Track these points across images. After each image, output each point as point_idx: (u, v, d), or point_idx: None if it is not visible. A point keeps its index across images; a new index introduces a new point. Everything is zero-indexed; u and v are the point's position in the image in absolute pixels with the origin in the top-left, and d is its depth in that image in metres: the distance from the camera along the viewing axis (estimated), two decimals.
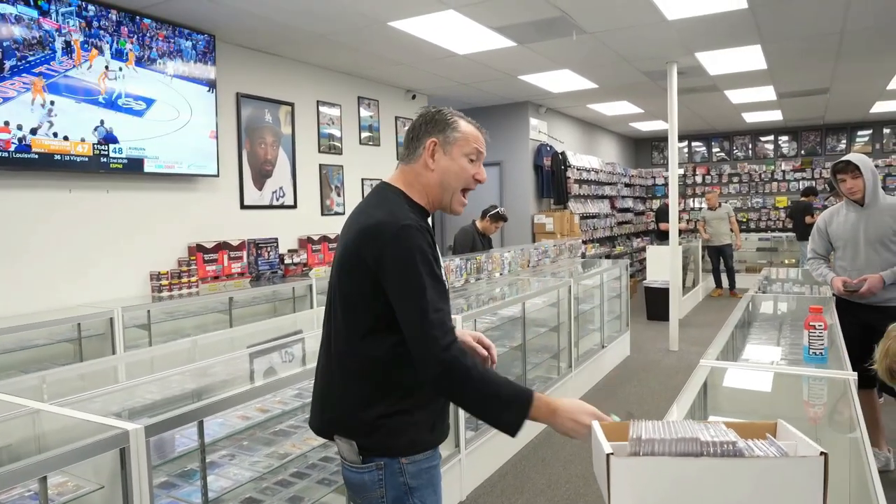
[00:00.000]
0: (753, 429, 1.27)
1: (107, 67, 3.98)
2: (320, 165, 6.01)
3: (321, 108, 6.00)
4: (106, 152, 4.02)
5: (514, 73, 6.56)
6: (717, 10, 4.65)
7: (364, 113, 6.54)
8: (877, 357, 2.48)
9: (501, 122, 8.40)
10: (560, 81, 7.06)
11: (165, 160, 4.41)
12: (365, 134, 6.55)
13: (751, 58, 6.17)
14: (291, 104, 5.64)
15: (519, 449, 3.99)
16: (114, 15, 4.00)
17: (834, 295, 3.47)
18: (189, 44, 4.50)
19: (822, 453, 1.11)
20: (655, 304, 7.96)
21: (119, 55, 4.04)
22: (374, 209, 1.52)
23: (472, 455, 3.47)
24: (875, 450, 3.46)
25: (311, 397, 2.81)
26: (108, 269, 4.22)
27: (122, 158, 4.12)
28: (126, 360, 3.31)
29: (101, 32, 3.92)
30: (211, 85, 4.69)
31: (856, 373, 2.19)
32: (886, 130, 11.13)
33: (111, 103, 4.02)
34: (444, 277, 1.57)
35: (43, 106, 3.66)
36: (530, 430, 4.18)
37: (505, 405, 1.42)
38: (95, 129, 3.93)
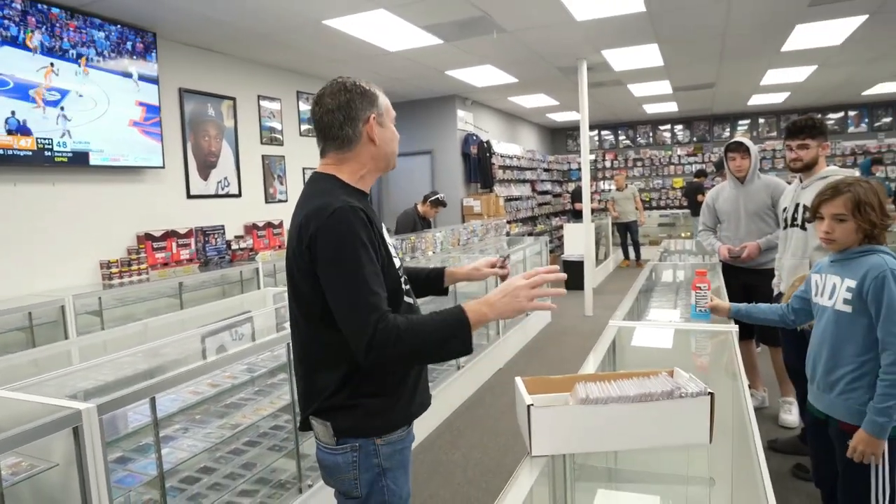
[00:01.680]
0: (655, 375, 1.33)
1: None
2: (263, 156, 5.82)
3: (262, 103, 5.81)
4: (50, 146, 3.76)
5: (442, 68, 6.53)
6: (619, 12, 4.76)
7: (303, 107, 6.37)
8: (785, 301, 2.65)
9: (431, 114, 8.37)
10: (483, 76, 7.08)
11: (111, 153, 4.17)
12: (304, 126, 6.39)
13: (649, 56, 6.36)
14: (233, 99, 5.43)
15: (454, 409, 4.05)
16: (18, 4, 3.53)
17: (721, 261, 3.67)
18: (102, 34, 4.05)
19: (709, 392, 1.18)
20: (572, 275, 8.09)
21: (21, 43, 3.55)
22: (308, 200, 1.39)
23: None
24: (753, 391, 3.71)
25: (259, 371, 2.76)
26: (58, 259, 3.97)
27: (66, 152, 3.86)
28: (78, 344, 3.14)
29: (6, 21, 3.48)
30: (136, 77, 4.31)
31: (737, 326, 2.33)
32: (762, 120, 11.74)
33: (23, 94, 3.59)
34: (393, 251, 1.46)
35: None
36: (462, 392, 4.25)
37: (448, 339, 1.28)
38: (6, 121, 3.51)
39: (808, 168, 2.80)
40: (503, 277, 1.64)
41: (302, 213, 1.35)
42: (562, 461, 1.42)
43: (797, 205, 2.85)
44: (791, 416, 3.46)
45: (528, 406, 1.17)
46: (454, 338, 1.27)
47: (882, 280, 1.74)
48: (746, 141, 3.50)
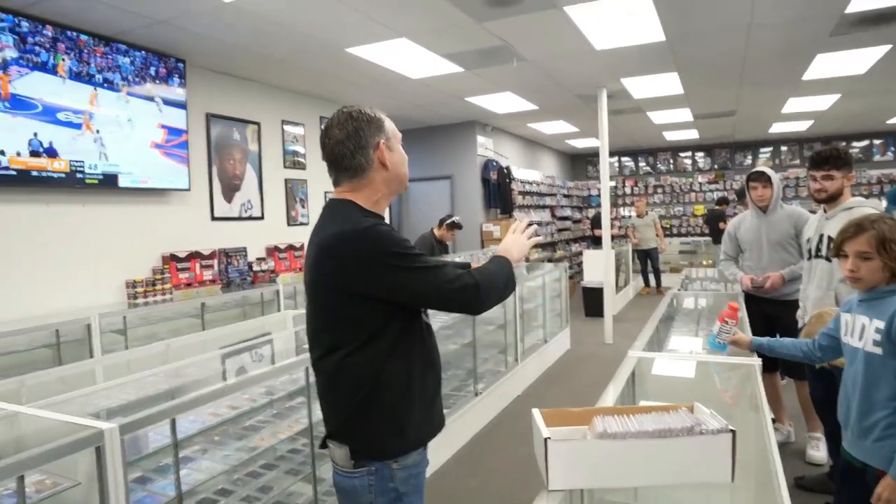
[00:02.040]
0: (674, 410, 1.32)
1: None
2: (285, 180, 5.92)
3: (286, 127, 5.92)
4: (82, 169, 3.87)
5: (462, 95, 6.61)
6: (639, 42, 4.80)
7: None
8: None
9: (452, 140, 8.45)
10: (503, 103, 7.15)
11: (139, 176, 4.28)
12: None
13: (669, 84, 6.38)
14: (258, 123, 5.55)
15: (472, 435, 4.01)
16: (48, 31, 3.65)
17: (743, 290, 3.62)
18: (127, 60, 4.16)
19: (731, 430, 1.16)
20: (592, 302, 8.11)
21: (52, 69, 3.67)
22: (329, 225, 1.41)
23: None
24: (778, 425, 3.61)
25: (278, 394, 2.78)
26: (85, 278, 4.06)
27: (97, 174, 3.98)
28: (103, 363, 3.19)
29: (37, 48, 3.60)
30: (160, 100, 4.41)
31: (761, 358, 2.29)
32: (784, 148, 11.64)
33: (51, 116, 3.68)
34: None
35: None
36: (480, 418, 4.21)
37: (509, 275, 1.53)
38: (29, 142, 3.58)
39: (832, 199, 2.76)
40: None
41: (326, 238, 1.38)
42: (579, 496, 1.41)
43: (821, 235, 2.81)
44: (819, 452, 3.36)
45: (546, 439, 1.16)
46: (510, 273, 1.53)
47: None
48: (768, 170, 3.47)
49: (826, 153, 2.73)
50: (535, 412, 1.31)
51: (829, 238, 2.73)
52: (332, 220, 1.43)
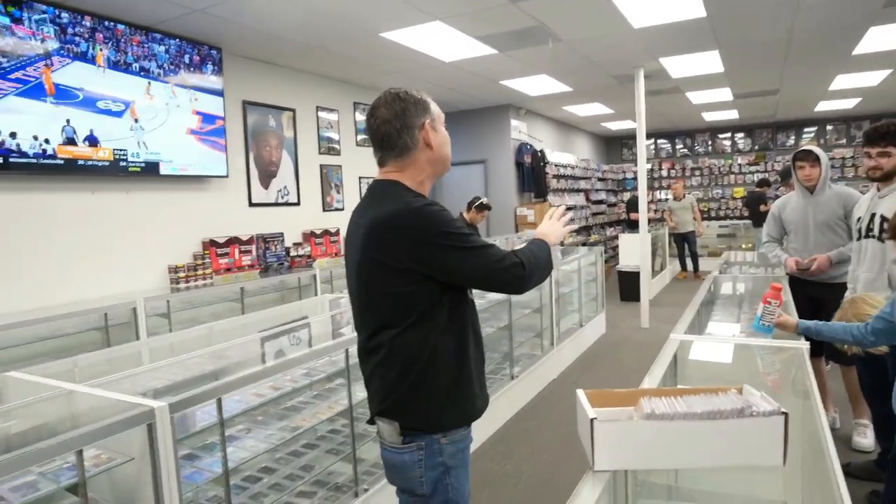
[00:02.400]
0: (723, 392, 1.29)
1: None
2: (320, 166, 5.98)
3: (320, 114, 5.97)
4: (125, 157, 3.97)
5: (496, 78, 6.54)
6: (678, 18, 4.66)
7: (360, 117, 6.50)
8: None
9: (485, 124, 8.39)
10: (538, 85, 7.05)
11: (179, 163, 4.37)
12: (361, 136, 6.52)
13: (709, 62, 6.19)
14: (293, 110, 5.60)
15: (508, 419, 4.02)
16: (87, 21, 3.71)
17: (787, 274, 3.51)
18: (162, 48, 4.22)
19: (783, 412, 1.13)
20: (628, 286, 8.01)
21: (91, 59, 3.73)
22: (380, 204, 1.43)
23: None
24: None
25: (318, 376, 2.83)
26: (129, 263, 4.19)
27: (139, 162, 4.08)
28: (149, 345, 3.30)
29: (76, 38, 3.66)
30: (193, 87, 4.45)
31: (808, 342, 2.22)
32: (829, 127, 11.21)
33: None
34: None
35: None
36: (516, 402, 4.21)
37: (549, 257, 1.57)
38: (69, 131, 3.63)
39: (887, 178, 2.64)
40: None
41: (379, 217, 1.39)
42: (623, 477, 1.39)
43: (873, 215, 2.71)
44: (866, 439, 3.26)
45: (592, 420, 1.15)
46: (549, 256, 1.58)
47: None
48: (816, 149, 3.34)
49: (884, 128, 2.61)
50: (580, 392, 1.30)
51: (882, 217, 2.63)
52: (382, 199, 1.45)
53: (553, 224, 1.72)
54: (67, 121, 3.65)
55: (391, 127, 1.45)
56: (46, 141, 3.54)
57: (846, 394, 3.41)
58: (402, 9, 4.12)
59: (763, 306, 2.24)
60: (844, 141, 11.06)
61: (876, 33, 5.30)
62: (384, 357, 1.44)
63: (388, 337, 1.42)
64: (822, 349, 3.41)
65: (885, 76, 7.33)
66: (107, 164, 3.87)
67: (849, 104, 9.55)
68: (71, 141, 3.67)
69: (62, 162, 3.62)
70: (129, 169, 4.02)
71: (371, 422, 1.52)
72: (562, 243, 7.71)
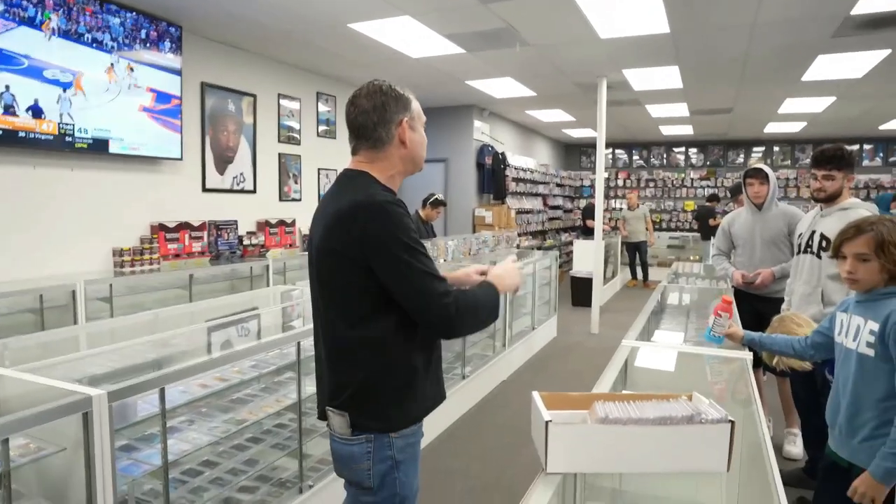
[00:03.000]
0: (674, 399, 1.31)
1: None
2: (279, 154, 5.85)
3: (282, 101, 5.83)
4: (71, 132, 3.78)
5: (462, 77, 6.54)
6: (643, 32, 4.76)
7: (322, 108, 6.40)
8: None
9: (448, 123, 8.38)
10: (503, 88, 7.09)
11: (130, 142, 4.19)
12: (322, 127, 6.42)
13: (669, 77, 6.36)
14: (254, 96, 5.46)
15: (458, 417, 4.02)
16: None
17: (733, 286, 3.64)
18: (117, 20, 4.02)
19: (730, 420, 1.16)
20: (580, 291, 8.15)
21: (38, 25, 3.54)
22: (345, 193, 1.41)
23: None
24: None
25: (267, 368, 2.76)
26: (71, 244, 3.99)
27: (87, 139, 3.89)
28: (87, 330, 3.14)
29: (24, 2, 3.46)
30: (149, 64, 4.27)
31: (752, 353, 2.30)
32: (776, 148, 11.70)
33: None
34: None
35: None
36: (467, 401, 4.22)
37: (494, 305, 1.50)
38: (2, 97, 3.40)
39: (831, 199, 2.77)
40: None
41: (341, 206, 1.37)
42: (573, 480, 1.40)
43: (813, 232, 2.83)
44: (796, 448, 3.41)
45: (547, 422, 1.15)
46: (495, 303, 1.49)
47: None
48: (766, 168, 3.48)
49: (830, 152, 2.73)
50: (535, 395, 1.30)
51: (822, 235, 2.75)
52: (348, 189, 1.43)
53: (508, 268, 1.62)
54: (7, 87, 3.43)
55: (368, 119, 1.43)
56: None
57: (780, 404, 3.56)
58: (372, 0, 4.06)
59: (714, 318, 2.30)
60: (789, 162, 11.57)
61: (824, 61, 5.56)
62: (338, 350, 1.43)
63: (342, 329, 1.40)
64: (759, 361, 3.54)
65: (829, 103, 7.70)
66: (51, 138, 3.67)
67: (795, 127, 9.99)
68: (10, 110, 3.45)
69: (0, 133, 3.41)
70: (76, 145, 3.82)
71: (322, 416, 1.50)
72: (517, 246, 7.78)
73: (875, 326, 1.76)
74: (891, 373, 1.72)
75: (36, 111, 3.58)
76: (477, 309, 1.43)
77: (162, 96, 4.40)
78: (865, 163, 11.07)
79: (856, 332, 1.84)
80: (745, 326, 2.79)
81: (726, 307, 2.27)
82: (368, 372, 1.39)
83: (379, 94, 1.44)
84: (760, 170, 3.47)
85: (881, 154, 11.00)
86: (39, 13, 3.57)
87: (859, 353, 1.81)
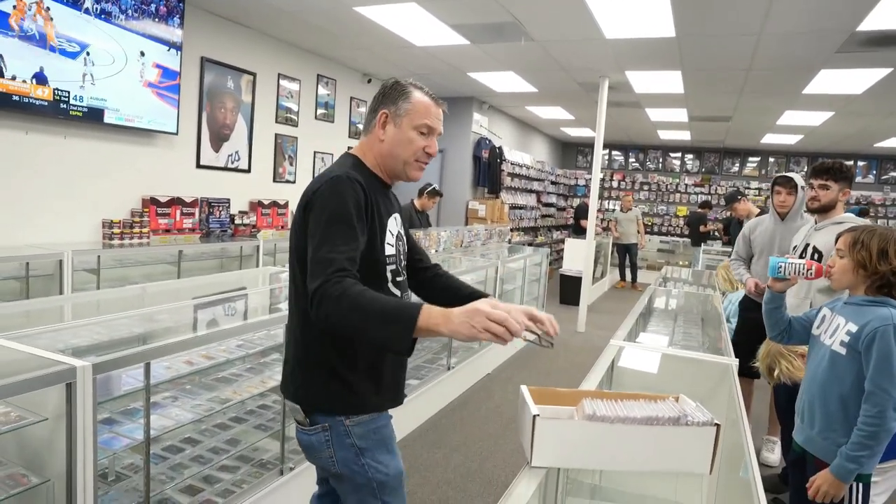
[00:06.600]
0: (661, 400, 1.32)
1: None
2: (276, 135, 5.80)
3: (281, 82, 5.78)
4: (66, 99, 3.72)
5: (464, 69, 6.51)
6: (649, 35, 4.76)
7: (322, 90, 6.35)
8: (759, 356, 2.69)
9: (447, 114, 8.34)
10: (504, 82, 7.07)
11: (126, 113, 4.14)
12: (321, 110, 6.37)
13: (671, 82, 6.37)
14: (254, 74, 5.40)
15: (440, 408, 4.03)
16: None
17: (746, 294, 3.59)
18: None
19: (715, 423, 1.17)
20: (568, 290, 8.18)
21: None
22: (324, 172, 1.41)
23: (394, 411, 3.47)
24: None
25: (253, 349, 2.75)
26: (60, 213, 3.94)
27: (82, 107, 3.83)
28: (74, 300, 3.11)
29: None
30: (156, 38, 4.23)
31: (737, 359, 2.32)
32: (772, 159, 11.77)
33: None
34: (392, 241, 1.46)
35: None
36: (449, 392, 4.23)
37: (388, 324, 1.12)
38: None
39: (824, 210, 2.78)
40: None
41: (308, 185, 1.41)
42: (556, 474, 1.41)
43: (807, 245, 2.85)
44: (773, 454, 3.46)
45: (534, 416, 1.16)
46: (395, 327, 1.11)
47: (882, 332, 1.72)
48: (797, 177, 3.32)
49: (828, 164, 2.74)
50: (524, 388, 1.31)
51: (815, 248, 2.77)
52: (331, 167, 1.46)
53: (472, 316, 1.10)
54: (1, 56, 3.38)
55: (370, 105, 1.50)
56: None
57: (766, 412, 3.60)
58: None
59: (801, 262, 1.96)
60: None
61: (826, 76, 5.59)
62: (287, 330, 1.48)
63: (292, 305, 1.44)
64: (753, 371, 3.56)
65: (826, 117, 7.74)
66: (45, 103, 3.62)
67: (791, 140, 10.04)
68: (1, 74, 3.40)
69: None
70: (71, 112, 3.77)
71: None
72: (509, 241, 7.79)
73: (854, 328, 1.82)
74: (857, 373, 1.79)
75: (40, 79, 3.54)
76: (367, 315, 1.13)
77: (168, 72, 4.36)
78: (859, 179, 11.16)
79: (834, 330, 1.90)
80: (750, 333, 2.85)
81: (819, 271, 1.94)
82: (298, 355, 1.43)
83: (386, 85, 1.48)
84: (790, 178, 3.31)
85: (874, 171, 11.11)
86: None
87: (832, 350, 1.88)
